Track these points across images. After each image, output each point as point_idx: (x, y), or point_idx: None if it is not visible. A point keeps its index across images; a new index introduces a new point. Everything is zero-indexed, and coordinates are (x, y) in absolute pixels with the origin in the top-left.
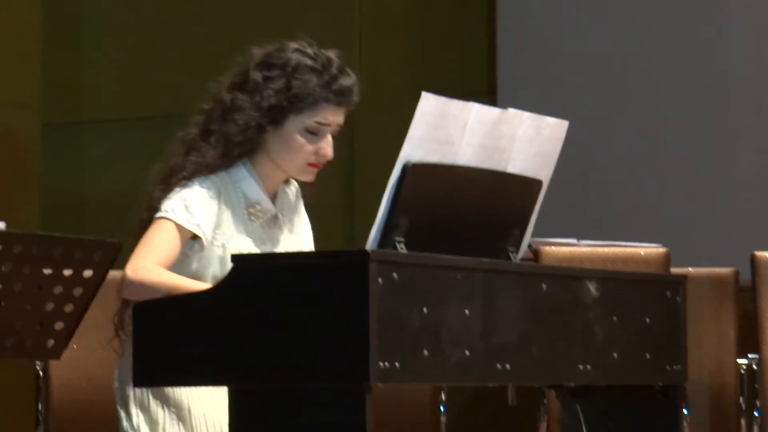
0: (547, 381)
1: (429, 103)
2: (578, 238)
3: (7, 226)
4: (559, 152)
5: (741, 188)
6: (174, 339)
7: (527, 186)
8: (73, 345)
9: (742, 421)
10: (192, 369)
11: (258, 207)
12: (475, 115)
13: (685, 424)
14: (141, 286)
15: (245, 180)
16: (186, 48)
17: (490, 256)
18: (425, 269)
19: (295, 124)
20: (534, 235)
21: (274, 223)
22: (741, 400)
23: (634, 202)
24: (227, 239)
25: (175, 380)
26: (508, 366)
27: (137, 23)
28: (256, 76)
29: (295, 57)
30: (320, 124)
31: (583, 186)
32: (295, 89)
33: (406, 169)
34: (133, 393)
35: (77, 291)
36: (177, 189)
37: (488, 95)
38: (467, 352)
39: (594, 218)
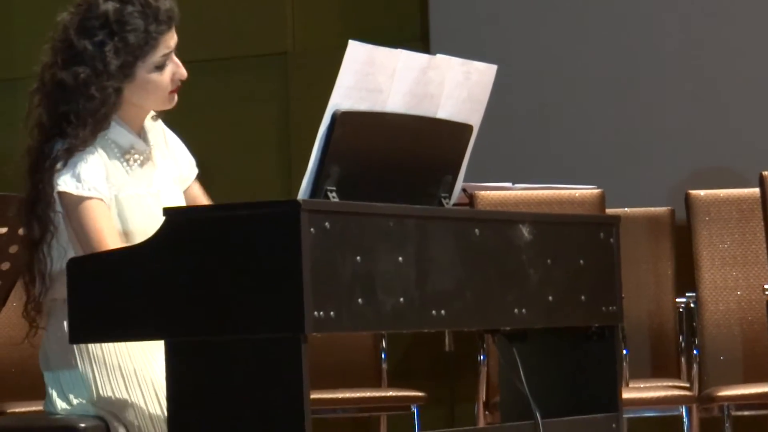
0: (483, 325)
1: (357, 51)
2: (513, 182)
3: None
4: (489, 96)
5: (674, 128)
6: (108, 293)
7: (458, 131)
8: (12, 303)
9: (682, 360)
10: (126, 323)
11: (132, 151)
12: (404, 61)
13: (624, 364)
14: None
15: (114, 130)
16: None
17: (422, 202)
18: (357, 217)
19: (144, 68)
20: (469, 180)
21: (148, 160)
22: (680, 338)
23: (567, 143)
24: (117, 190)
25: (110, 335)
26: (443, 312)
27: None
28: (85, 44)
29: (110, 8)
30: (164, 55)
31: (517, 129)
32: (131, 42)
33: (336, 117)
34: (63, 361)
35: (13, 248)
36: (60, 168)
37: (421, 42)
38: (402, 299)
39: (529, 161)
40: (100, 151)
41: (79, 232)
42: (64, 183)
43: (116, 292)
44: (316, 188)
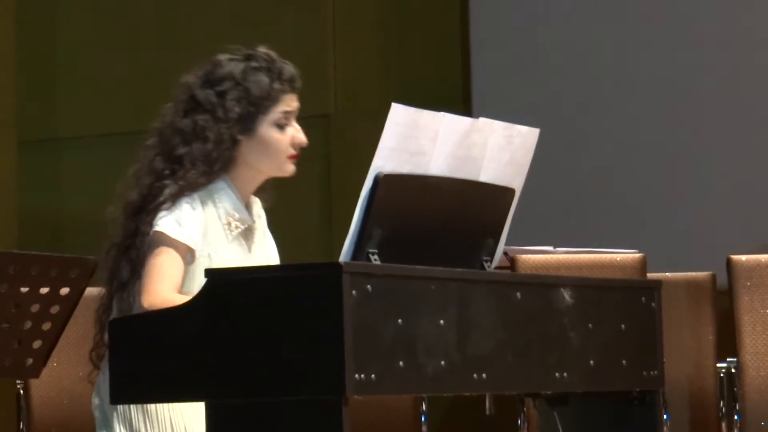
0: (524, 389)
1: (399, 114)
2: (554, 246)
3: None
4: (532, 160)
5: (716, 192)
6: (150, 354)
7: (500, 195)
8: (53, 363)
9: (723, 425)
10: (168, 384)
11: (236, 218)
12: (446, 124)
13: (664, 429)
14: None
15: (223, 192)
16: (160, 64)
17: (464, 266)
18: (399, 280)
19: (265, 124)
20: (510, 243)
21: (249, 232)
22: (721, 404)
23: (610, 208)
24: (212, 250)
25: (150, 396)
26: (484, 375)
27: (111, 39)
28: (208, 94)
29: (235, 65)
30: (286, 113)
31: (559, 193)
32: (254, 92)
33: (378, 180)
34: (115, 410)
35: (54, 309)
36: (164, 210)
37: (463, 104)
38: (443, 362)
39: (570, 225)
40: (205, 207)
41: (148, 268)
42: (165, 224)
43: (157, 353)
44: (358, 250)
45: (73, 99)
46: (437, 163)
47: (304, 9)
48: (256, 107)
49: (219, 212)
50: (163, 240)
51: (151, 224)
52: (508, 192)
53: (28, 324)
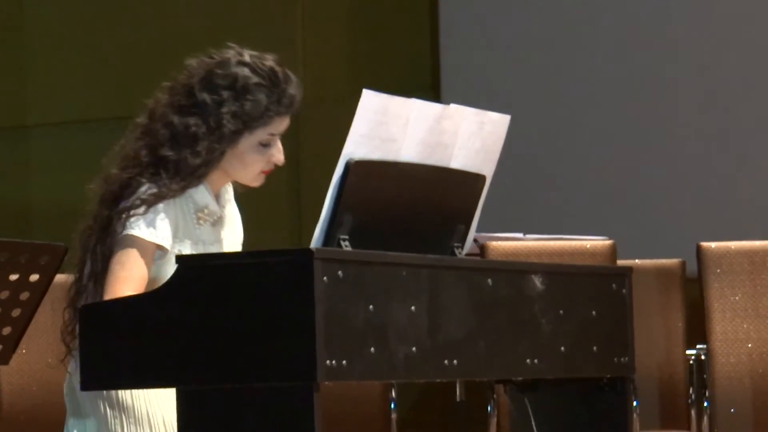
0: (495, 375)
1: (370, 100)
2: (524, 233)
3: None
4: (502, 146)
5: (686, 179)
6: (120, 341)
7: (470, 181)
8: (22, 350)
9: (692, 412)
10: (139, 371)
11: (206, 210)
12: (417, 111)
13: (634, 416)
14: None
15: (196, 190)
16: (131, 49)
17: (435, 252)
18: (370, 266)
19: (248, 141)
20: (480, 230)
21: (218, 222)
22: (690, 390)
23: (579, 194)
24: (182, 246)
25: (122, 383)
26: (455, 361)
27: (81, 25)
28: (205, 97)
29: (240, 73)
30: (272, 135)
31: (529, 180)
32: (248, 111)
33: (349, 166)
34: (88, 399)
35: (24, 295)
36: (140, 212)
37: (432, 91)
38: (414, 349)
39: (540, 212)
40: (177, 203)
41: (114, 267)
42: (138, 228)
43: (128, 339)
44: (329, 237)
45: (41, 85)
46: (408, 150)
47: None
48: (246, 125)
49: (190, 207)
50: (134, 242)
51: (123, 225)
52: (479, 178)
53: None
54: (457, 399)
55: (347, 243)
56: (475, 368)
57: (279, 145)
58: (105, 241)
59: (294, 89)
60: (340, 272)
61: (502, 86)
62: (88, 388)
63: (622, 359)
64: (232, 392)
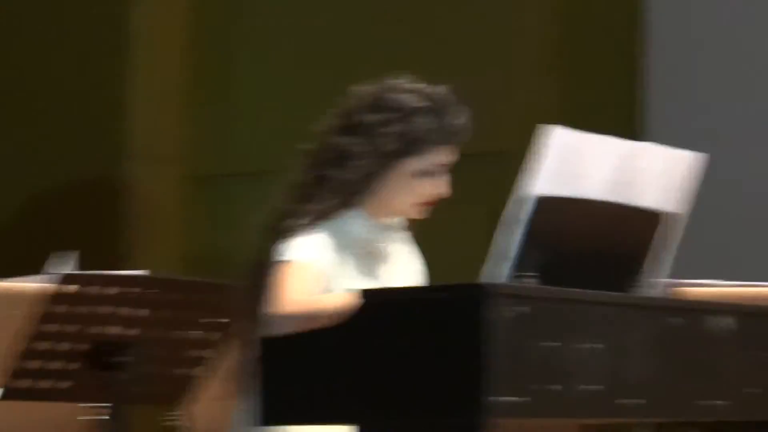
0: (682, 416)
1: (560, 137)
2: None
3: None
4: (696, 186)
5: None
6: (301, 376)
7: (657, 219)
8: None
9: None
10: (321, 407)
11: (366, 245)
12: (607, 148)
13: None
14: (285, 317)
15: (353, 219)
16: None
17: (618, 291)
18: (552, 302)
19: (410, 167)
20: (676, 276)
21: (381, 257)
22: None
23: None
24: (339, 282)
25: (303, 418)
26: (640, 401)
27: (285, 77)
28: (369, 118)
29: (407, 98)
30: (438, 165)
31: (722, 225)
32: (413, 133)
33: (537, 202)
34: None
35: (214, 336)
36: (297, 236)
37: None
38: (597, 387)
39: (731, 258)
40: (336, 239)
41: (276, 289)
42: (289, 253)
43: (309, 374)
44: (515, 272)
45: (246, 134)
46: (596, 187)
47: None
48: (410, 148)
49: (349, 240)
50: (294, 266)
51: (282, 252)
52: (668, 216)
53: (188, 352)
54: None
55: (533, 279)
56: (661, 408)
57: (445, 176)
58: (265, 273)
59: (461, 120)
60: (524, 308)
61: (705, 127)
62: (269, 423)
63: None
64: (411, 429)
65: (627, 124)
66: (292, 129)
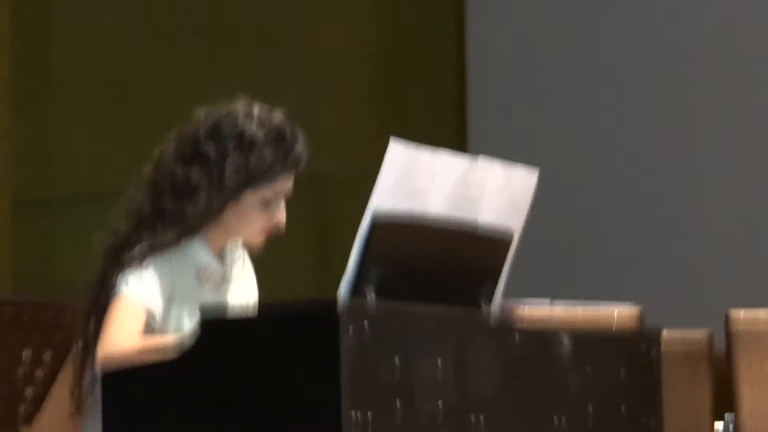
0: None
1: (398, 152)
2: (551, 298)
3: None
4: (530, 202)
5: (715, 247)
6: (144, 407)
7: (498, 237)
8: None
9: None
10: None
11: (207, 270)
12: (445, 164)
13: None
14: (113, 360)
15: (194, 246)
16: (155, 125)
17: (461, 307)
18: (396, 319)
19: (251, 198)
20: (508, 296)
21: (222, 280)
22: None
23: (606, 261)
24: (180, 311)
25: None
26: (482, 417)
27: (107, 100)
28: (209, 149)
29: (247, 128)
30: (277, 194)
31: (554, 245)
32: (253, 166)
33: (376, 218)
34: None
35: (47, 355)
36: (132, 267)
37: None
38: (440, 404)
39: (566, 278)
40: (174, 263)
41: (106, 323)
42: (128, 287)
43: (153, 404)
44: (356, 289)
45: (67, 158)
46: (435, 203)
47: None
48: (250, 180)
49: (190, 267)
50: (125, 302)
51: (117, 284)
52: (506, 234)
53: (21, 371)
54: None
55: (373, 296)
56: (502, 425)
57: (282, 206)
58: (103, 298)
59: (300, 148)
60: (366, 324)
61: (531, 143)
62: None
63: (651, 420)
64: None
65: (453, 139)
66: (111, 153)
